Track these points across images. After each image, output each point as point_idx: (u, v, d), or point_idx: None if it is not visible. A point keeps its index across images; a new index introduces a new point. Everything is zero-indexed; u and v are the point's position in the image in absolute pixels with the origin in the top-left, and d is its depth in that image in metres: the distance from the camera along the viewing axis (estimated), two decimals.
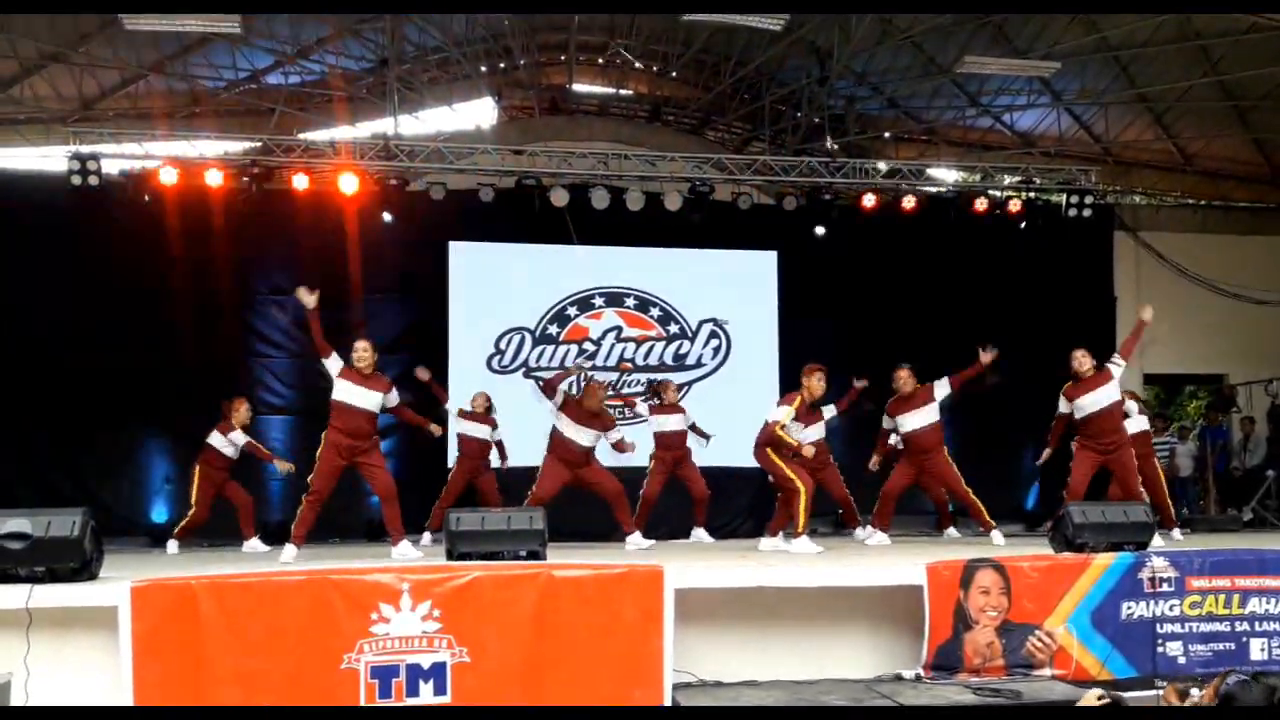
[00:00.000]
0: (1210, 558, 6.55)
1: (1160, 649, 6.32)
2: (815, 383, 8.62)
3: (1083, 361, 8.76)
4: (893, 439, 9.61)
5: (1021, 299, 12.73)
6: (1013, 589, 6.24)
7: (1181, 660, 6.30)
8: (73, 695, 5.38)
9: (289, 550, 8.00)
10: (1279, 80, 12.39)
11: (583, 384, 10.39)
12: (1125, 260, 13.66)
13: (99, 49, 11.69)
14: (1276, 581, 6.54)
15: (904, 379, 9.21)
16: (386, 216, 11.25)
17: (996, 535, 8.95)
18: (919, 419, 9.09)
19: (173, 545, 9.59)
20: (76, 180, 10.25)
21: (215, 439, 9.63)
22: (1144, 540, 6.76)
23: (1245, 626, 6.47)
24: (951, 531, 10.23)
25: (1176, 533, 9.48)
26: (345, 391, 8.04)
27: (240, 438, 9.65)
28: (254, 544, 9.58)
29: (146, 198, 10.67)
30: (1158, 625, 6.34)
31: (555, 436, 9.20)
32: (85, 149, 10.35)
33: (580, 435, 9.13)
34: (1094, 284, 13.34)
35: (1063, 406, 8.86)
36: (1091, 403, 8.67)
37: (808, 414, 9.05)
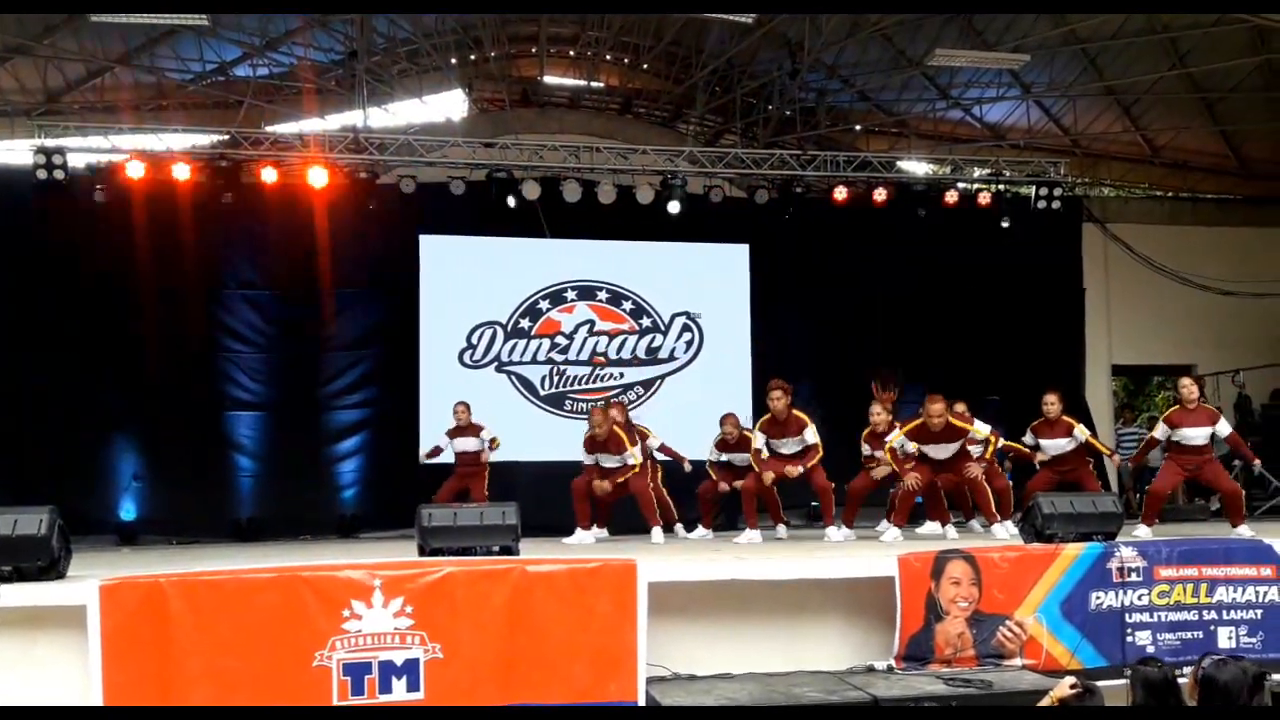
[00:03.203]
0: (1178, 547, 6.62)
1: (1129, 638, 6.38)
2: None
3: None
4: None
5: (991, 290, 12.79)
6: (983, 579, 6.28)
7: (1150, 649, 6.35)
8: (42, 695, 5.33)
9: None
10: (1246, 72, 12.52)
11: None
12: (1093, 251, 13.74)
13: (64, 41, 11.54)
14: (1243, 571, 6.61)
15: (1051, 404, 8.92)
16: (370, 206, 11.20)
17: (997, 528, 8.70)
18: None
19: None
20: (42, 174, 10.14)
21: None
22: (1112, 531, 6.81)
23: (1213, 615, 6.54)
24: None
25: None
26: None
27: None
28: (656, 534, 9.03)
29: (113, 191, 10.56)
30: (1126, 615, 6.40)
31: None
32: (50, 142, 10.25)
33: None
34: (1063, 275, 13.42)
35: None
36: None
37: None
